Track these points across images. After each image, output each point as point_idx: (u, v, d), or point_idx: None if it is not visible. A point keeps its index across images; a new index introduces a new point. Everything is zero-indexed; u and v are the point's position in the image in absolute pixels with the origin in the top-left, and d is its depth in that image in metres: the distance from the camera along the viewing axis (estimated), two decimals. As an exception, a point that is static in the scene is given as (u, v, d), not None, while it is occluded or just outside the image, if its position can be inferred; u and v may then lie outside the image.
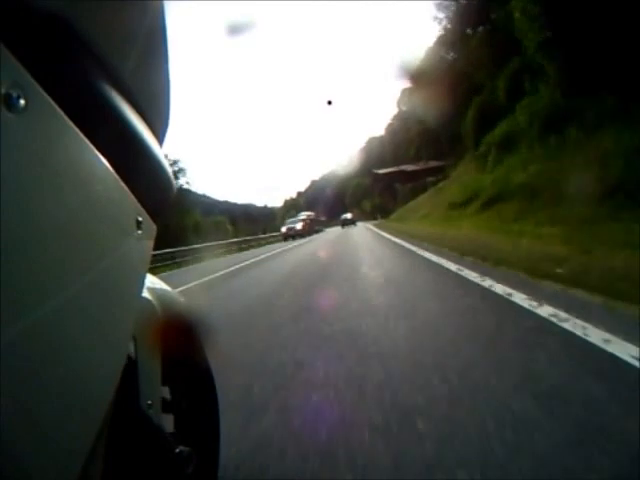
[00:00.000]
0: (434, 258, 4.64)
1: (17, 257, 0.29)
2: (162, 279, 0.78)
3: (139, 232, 0.46)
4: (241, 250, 16.74)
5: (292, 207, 77.55)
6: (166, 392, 0.65)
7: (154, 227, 0.51)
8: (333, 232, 24.70)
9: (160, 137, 0.51)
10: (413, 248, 6.25)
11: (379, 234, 12.71)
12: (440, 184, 21.94)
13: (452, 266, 3.85)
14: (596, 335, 1.62)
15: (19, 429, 0.30)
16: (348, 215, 38.89)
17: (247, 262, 8.74)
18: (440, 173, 26.13)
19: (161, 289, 0.73)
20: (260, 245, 20.70)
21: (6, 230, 0.28)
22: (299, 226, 23.50)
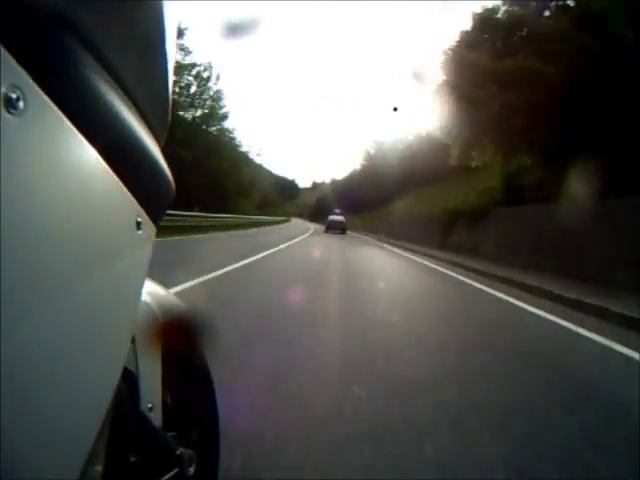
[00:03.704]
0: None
1: (15, 259, 0.29)
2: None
3: (139, 233, 0.46)
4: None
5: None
6: (166, 394, 0.66)
7: (154, 228, 0.50)
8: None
9: (160, 137, 0.51)
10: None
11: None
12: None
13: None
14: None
15: (18, 430, 0.30)
16: (338, 217, 27.74)
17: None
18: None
19: (160, 292, 0.73)
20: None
21: (5, 232, 0.28)
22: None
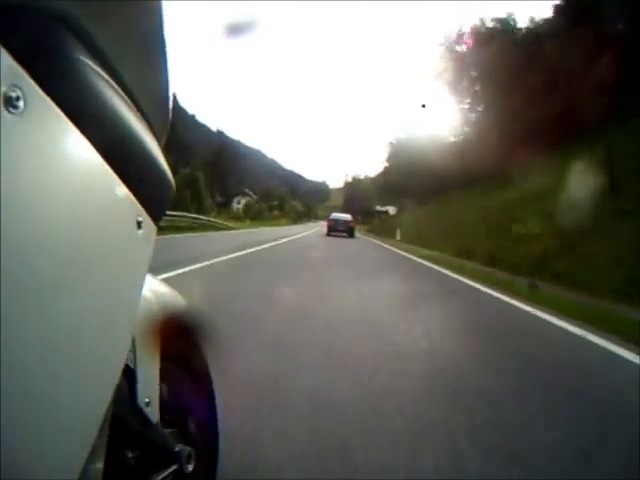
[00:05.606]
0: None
1: (16, 258, 0.29)
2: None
3: (139, 232, 0.46)
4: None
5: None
6: (165, 391, 0.66)
7: (154, 227, 0.51)
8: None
9: (160, 137, 0.51)
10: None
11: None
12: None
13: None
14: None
15: (19, 429, 0.30)
16: (342, 216, 21.57)
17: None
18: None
19: (161, 289, 0.73)
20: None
21: (6, 232, 0.28)
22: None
